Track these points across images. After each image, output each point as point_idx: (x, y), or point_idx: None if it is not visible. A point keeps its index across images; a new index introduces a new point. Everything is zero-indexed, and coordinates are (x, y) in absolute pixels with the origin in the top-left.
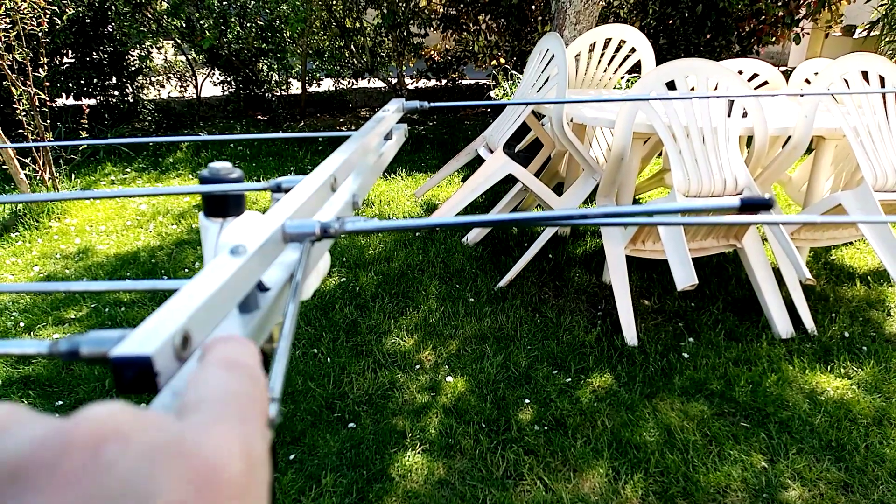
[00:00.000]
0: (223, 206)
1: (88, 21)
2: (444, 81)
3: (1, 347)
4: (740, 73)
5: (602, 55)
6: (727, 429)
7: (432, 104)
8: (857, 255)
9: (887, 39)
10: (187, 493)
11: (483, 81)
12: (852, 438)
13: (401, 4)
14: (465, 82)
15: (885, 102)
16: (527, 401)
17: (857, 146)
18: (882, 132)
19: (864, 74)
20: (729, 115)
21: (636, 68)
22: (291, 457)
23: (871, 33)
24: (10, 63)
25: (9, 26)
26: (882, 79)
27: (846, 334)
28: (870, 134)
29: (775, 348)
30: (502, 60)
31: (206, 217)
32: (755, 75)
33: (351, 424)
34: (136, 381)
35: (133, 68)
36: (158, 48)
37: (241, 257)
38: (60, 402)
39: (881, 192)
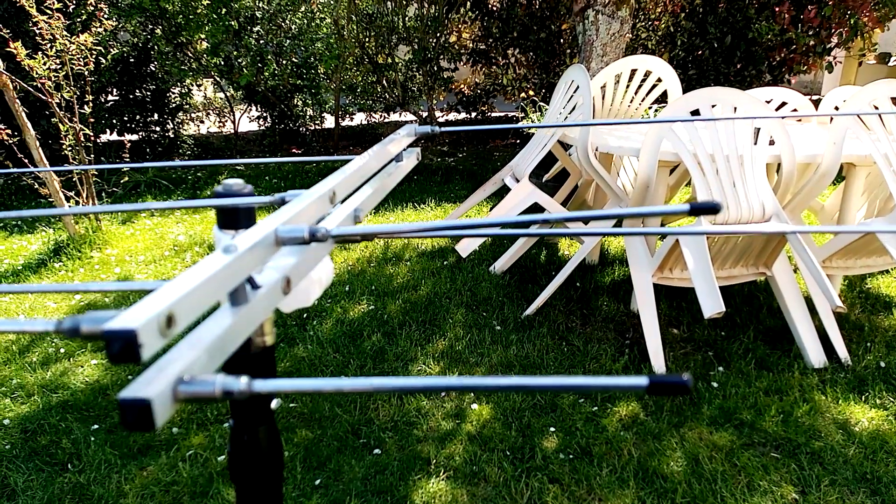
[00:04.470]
0: (235, 218)
1: (132, 60)
2: (473, 114)
3: (13, 326)
4: (769, 101)
5: (628, 86)
6: (757, 459)
7: (443, 128)
8: (894, 283)
9: None
10: None
11: (512, 113)
12: (888, 471)
13: (431, 40)
14: (494, 114)
15: None
16: (552, 429)
17: (888, 173)
18: None
19: (894, 101)
20: (755, 143)
21: (663, 99)
22: (317, 482)
23: None
24: (58, 101)
25: (58, 67)
26: None
27: (882, 364)
28: None
29: (807, 378)
30: (531, 93)
31: (220, 230)
32: (784, 104)
33: (376, 450)
34: (123, 352)
35: (174, 105)
36: (198, 86)
37: (231, 255)
38: (96, 426)
39: None
